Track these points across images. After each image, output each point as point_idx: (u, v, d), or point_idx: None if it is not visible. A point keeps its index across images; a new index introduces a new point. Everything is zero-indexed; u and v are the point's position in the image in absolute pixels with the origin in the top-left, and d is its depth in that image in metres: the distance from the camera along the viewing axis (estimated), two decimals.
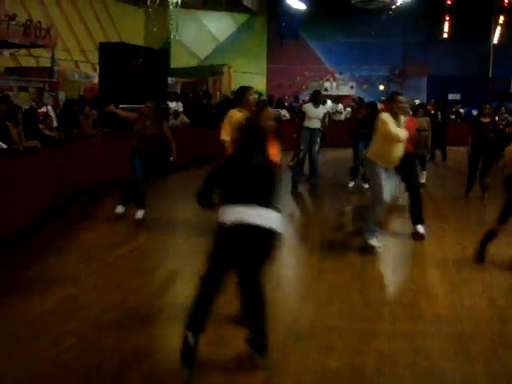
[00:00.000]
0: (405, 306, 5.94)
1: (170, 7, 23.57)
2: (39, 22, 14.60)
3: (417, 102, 24.24)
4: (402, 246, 8.42)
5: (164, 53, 17.30)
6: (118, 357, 4.55)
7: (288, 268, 7.43)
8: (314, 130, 12.06)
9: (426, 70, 29.10)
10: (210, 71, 25.19)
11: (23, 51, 17.69)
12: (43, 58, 17.62)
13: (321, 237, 8.68)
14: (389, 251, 8.04)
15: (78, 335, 4.92)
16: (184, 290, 5.61)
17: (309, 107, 12.26)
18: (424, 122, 11.28)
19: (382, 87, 29.55)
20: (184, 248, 7.93)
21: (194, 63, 27.51)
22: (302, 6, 27.47)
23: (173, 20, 25.02)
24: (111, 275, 6.64)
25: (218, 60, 27.03)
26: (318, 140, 12.26)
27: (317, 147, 12.28)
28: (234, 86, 25.58)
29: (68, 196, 10.51)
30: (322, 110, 12.35)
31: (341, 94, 26.28)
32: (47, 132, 10.82)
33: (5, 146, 8.39)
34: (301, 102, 24.70)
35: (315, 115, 12.04)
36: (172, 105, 17.26)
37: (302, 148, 12.13)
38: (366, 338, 5.03)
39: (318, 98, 12.37)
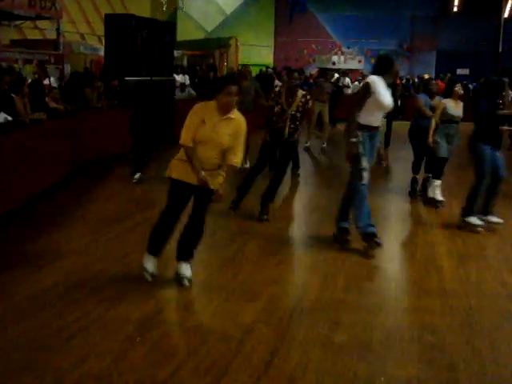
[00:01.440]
0: (411, 280, 5.92)
1: None
2: None
3: (426, 76, 24.15)
4: (410, 218, 8.39)
5: (171, 25, 17.11)
6: (122, 330, 4.54)
7: (292, 243, 7.41)
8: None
9: (435, 44, 28.82)
10: (216, 44, 25.01)
11: (28, 23, 17.56)
12: (49, 30, 17.50)
13: (329, 209, 8.63)
14: (395, 224, 8.00)
15: (82, 309, 4.90)
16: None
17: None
18: None
19: None
20: None
21: (200, 36, 27.33)
22: None
23: None
24: (117, 248, 6.62)
25: (226, 33, 26.85)
26: None
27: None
28: (241, 60, 25.47)
29: (74, 168, 10.48)
30: None
31: (349, 67, 26.05)
32: (53, 104, 10.76)
33: (10, 118, 8.35)
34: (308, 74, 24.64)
35: None
36: (178, 78, 17.16)
37: None
38: (373, 313, 5.00)
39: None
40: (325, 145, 14.92)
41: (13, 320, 4.68)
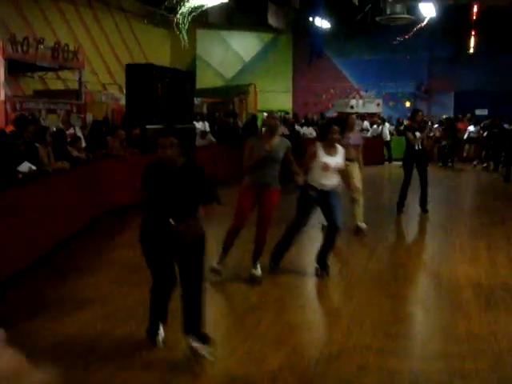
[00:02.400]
0: (437, 324, 5.83)
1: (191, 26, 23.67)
2: (67, 44, 14.81)
3: (444, 117, 24.19)
4: (434, 264, 8.30)
5: (190, 73, 17.40)
6: (148, 380, 4.51)
7: (315, 286, 7.35)
8: None
9: (452, 85, 28.83)
10: (236, 91, 25.28)
11: (51, 74, 17.91)
12: (71, 80, 17.84)
13: (347, 254, 8.59)
14: (419, 270, 7.93)
15: (106, 357, 4.88)
16: (209, 311, 5.56)
17: None
18: None
19: (408, 104, 29.37)
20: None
21: (220, 83, 27.65)
22: (327, 25, 27.52)
23: (199, 41, 25.25)
24: (139, 295, 6.60)
25: (244, 80, 27.16)
26: None
27: None
28: (260, 106, 25.68)
29: (95, 216, 10.55)
30: None
31: (367, 111, 26.16)
32: (75, 153, 10.90)
33: (34, 168, 8.45)
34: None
35: None
36: (199, 125, 17.34)
37: None
38: (400, 358, 4.92)
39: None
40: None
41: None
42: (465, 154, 22.79)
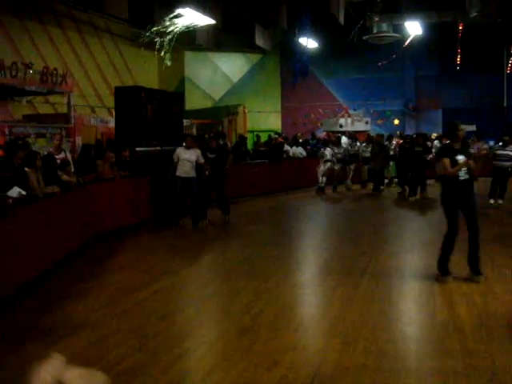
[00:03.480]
0: (432, 341, 5.81)
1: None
2: (55, 69, 14.83)
3: (434, 135, 24.21)
4: (426, 279, 8.29)
5: (179, 95, 17.39)
6: None
7: (309, 307, 7.34)
8: None
9: (440, 102, 29.07)
10: (225, 112, 25.36)
11: (40, 98, 17.92)
12: (60, 104, 17.85)
13: (346, 271, 8.57)
14: (413, 287, 7.91)
15: None
16: (202, 331, 5.53)
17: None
18: None
19: (396, 121, 29.54)
20: (204, 291, 7.86)
21: (209, 104, 27.73)
22: (314, 44, 27.70)
23: (187, 63, 25.32)
24: (132, 320, 6.57)
25: (233, 100, 27.26)
26: None
27: None
28: (250, 126, 25.77)
29: (85, 240, 10.51)
30: None
31: (356, 129, 26.26)
32: (65, 177, 10.87)
33: (24, 193, 8.41)
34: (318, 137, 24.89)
35: None
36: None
37: None
38: (395, 376, 4.90)
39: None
40: None
41: None
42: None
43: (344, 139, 22.19)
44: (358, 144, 21.16)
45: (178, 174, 12.37)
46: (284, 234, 12.10)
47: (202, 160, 12.46)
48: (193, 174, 12.35)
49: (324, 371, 5.05)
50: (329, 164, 19.15)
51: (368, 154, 20.14)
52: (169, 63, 21.83)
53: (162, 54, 21.89)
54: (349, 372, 5.01)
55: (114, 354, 5.46)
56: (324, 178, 19.22)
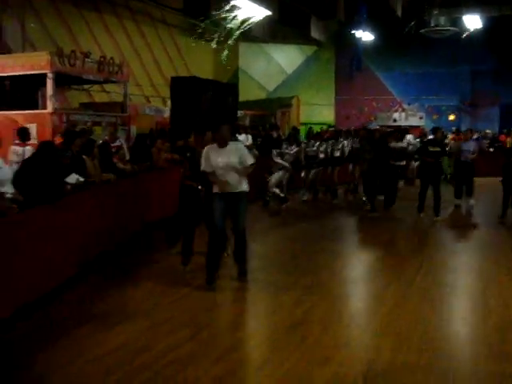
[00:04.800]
0: (487, 343, 5.69)
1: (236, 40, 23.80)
2: (112, 58, 14.97)
3: (488, 132, 23.74)
4: (481, 279, 8.14)
5: (233, 86, 17.45)
6: None
7: (362, 303, 7.28)
8: None
9: (497, 98, 28.41)
10: (278, 104, 25.30)
11: (96, 87, 18.15)
12: (115, 93, 18.04)
13: (399, 268, 8.48)
14: (467, 287, 7.78)
15: (152, 370, 4.89)
16: (254, 325, 5.53)
17: None
18: None
19: (452, 117, 29.03)
20: (255, 284, 7.86)
21: (262, 96, 27.70)
22: (370, 37, 27.41)
23: (241, 54, 25.36)
24: (185, 310, 6.62)
25: (287, 92, 27.17)
26: None
27: None
28: (303, 118, 25.66)
29: (140, 227, 10.60)
30: None
31: (410, 124, 25.90)
32: (121, 165, 11.00)
33: (82, 179, 8.55)
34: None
35: None
36: (241, 138, 17.35)
37: None
38: (449, 377, 4.82)
39: None
40: None
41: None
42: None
43: None
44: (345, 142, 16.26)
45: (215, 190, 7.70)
46: (336, 229, 12.03)
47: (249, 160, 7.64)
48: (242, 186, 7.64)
49: (376, 369, 4.99)
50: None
51: (338, 154, 15.76)
52: (224, 55, 21.88)
53: (217, 44, 21.99)
54: (401, 371, 4.95)
55: (165, 343, 5.51)
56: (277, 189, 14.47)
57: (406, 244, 10.93)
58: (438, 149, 12.72)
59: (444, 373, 4.91)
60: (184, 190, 8.53)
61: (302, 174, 15.59)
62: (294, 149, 14.80)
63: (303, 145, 15.64)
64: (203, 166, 7.45)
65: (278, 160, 14.12)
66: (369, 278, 8.53)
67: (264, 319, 6.17)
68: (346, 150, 16.06)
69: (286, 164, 14.27)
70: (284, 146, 14.85)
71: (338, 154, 15.71)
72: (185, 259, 8.11)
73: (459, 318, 6.59)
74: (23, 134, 11.15)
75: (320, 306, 6.79)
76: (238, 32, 21.87)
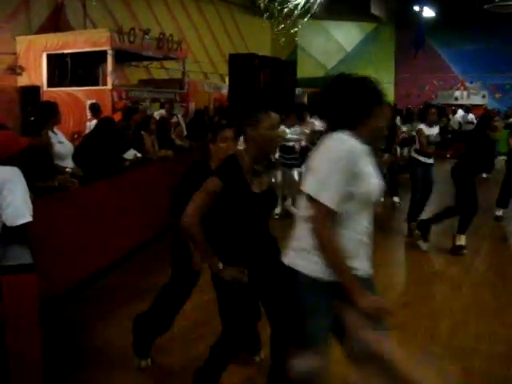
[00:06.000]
0: None
1: (296, 17, 23.60)
2: (171, 35, 15.03)
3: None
4: None
5: (291, 63, 17.33)
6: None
7: (419, 285, 7.18)
8: None
9: None
10: None
11: (155, 63, 18.28)
12: (174, 69, 18.16)
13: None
14: None
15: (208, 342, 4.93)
16: None
17: None
18: None
19: None
20: None
21: (320, 73, 27.46)
22: (432, 14, 26.80)
23: (300, 30, 25.14)
24: None
25: (345, 70, 26.37)
26: None
27: None
28: None
29: None
30: None
31: (472, 103, 25.32)
32: (178, 142, 11.07)
33: (139, 155, 8.64)
34: None
35: None
36: (317, 124, 17.21)
37: None
38: (509, 363, 4.72)
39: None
40: None
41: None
42: None
43: None
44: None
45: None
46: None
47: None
48: None
49: (431, 351, 4.90)
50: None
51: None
52: (283, 32, 21.70)
53: (276, 22, 21.85)
54: (458, 355, 4.86)
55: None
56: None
57: None
58: None
59: (503, 359, 4.81)
60: None
61: None
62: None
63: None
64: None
65: None
66: (427, 259, 8.40)
67: None
68: None
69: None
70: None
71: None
72: None
73: None
74: (94, 110, 11.54)
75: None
76: (298, 9, 21.67)
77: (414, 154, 8.93)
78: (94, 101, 12.35)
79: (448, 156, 15.61)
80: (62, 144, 7.08)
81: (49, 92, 13.20)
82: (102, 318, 5.71)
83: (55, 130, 7.13)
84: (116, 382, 4.53)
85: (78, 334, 5.33)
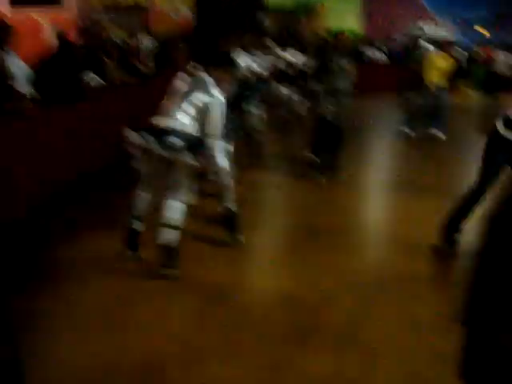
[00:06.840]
0: None
1: None
2: None
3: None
4: None
5: None
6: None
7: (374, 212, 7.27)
8: None
9: None
10: (303, 10, 24.69)
11: None
12: None
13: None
14: None
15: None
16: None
17: None
18: None
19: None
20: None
21: (288, 2, 26.90)
22: None
23: None
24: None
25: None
26: None
27: None
28: (327, 26, 25.03)
29: None
30: None
31: (440, 36, 25.14)
32: (143, 68, 10.84)
33: (102, 82, 8.49)
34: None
35: None
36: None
37: None
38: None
39: None
40: None
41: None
42: None
43: None
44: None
45: None
46: None
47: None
48: None
49: (381, 279, 5.04)
50: None
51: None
52: None
53: None
54: (407, 281, 4.98)
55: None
56: None
57: None
58: None
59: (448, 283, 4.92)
60: None
61: None
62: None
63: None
64: None
65: None
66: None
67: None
68: None
69: None
70: None
71: None
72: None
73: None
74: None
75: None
76: None
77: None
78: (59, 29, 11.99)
79: None
80: (17, 66, 6.87)
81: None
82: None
83: (11, 52, 6.88)
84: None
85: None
